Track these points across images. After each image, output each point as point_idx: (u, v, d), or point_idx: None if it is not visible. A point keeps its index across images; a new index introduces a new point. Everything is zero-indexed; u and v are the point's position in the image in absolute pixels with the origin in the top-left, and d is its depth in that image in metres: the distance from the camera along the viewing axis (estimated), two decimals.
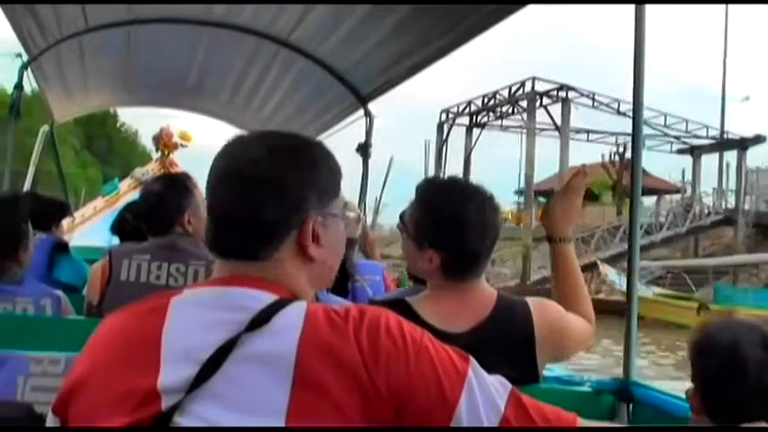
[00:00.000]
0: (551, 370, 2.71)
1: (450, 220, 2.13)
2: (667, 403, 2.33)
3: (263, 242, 1.35)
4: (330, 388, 1.20)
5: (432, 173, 33.41)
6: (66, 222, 5.11)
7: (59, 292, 3.10)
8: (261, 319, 1.25)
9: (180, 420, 1.20)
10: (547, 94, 34.70)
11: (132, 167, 10.37)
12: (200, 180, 3.36)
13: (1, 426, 1.86)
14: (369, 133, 6.12)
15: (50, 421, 1.34)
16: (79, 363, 1.34)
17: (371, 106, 5.89)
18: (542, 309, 2.23)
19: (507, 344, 2.12)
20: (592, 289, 26.53)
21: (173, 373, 1.22)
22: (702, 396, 1.73)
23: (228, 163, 1.38)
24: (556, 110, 35.04)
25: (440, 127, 39.58)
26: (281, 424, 1.18)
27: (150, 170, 8.99)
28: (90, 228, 7.97)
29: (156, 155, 9.43)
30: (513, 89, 35.77)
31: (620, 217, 33.08)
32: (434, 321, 2.06)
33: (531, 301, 2.26)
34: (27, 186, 7.16)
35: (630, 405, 2.55)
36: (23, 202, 3.10)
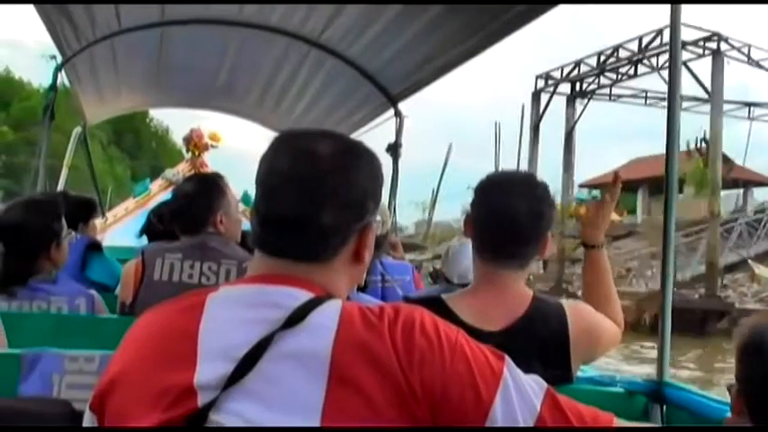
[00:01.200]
0: (583, 371, 2.69)
1: (500, 221, 2.18)
2: (701, 405, 2.31)
3: (325, 246, 1.36)
4: (365, 386, 1.21)
5: (525, 153, 31.39)
6: (98, 222, 5.16)
7: (93, 292, 3.13)
8: (297, 317, 1.25)
9: (215, 417, 1.20)
10: (695, 43, 24.33)
11: (162, 164, 10.47)
12: (231, 180, 3.38)
13: (42, 424, 1.89)
14: (399, 133, 6.13)
15: (87, 418, 1.35)
16: (116, 359, 1.35)
17: (401, 106, 5.90)
18: (577, 312, 2.23)
19: (541, 345, 2.12)
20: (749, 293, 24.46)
21: (209, 369, 1.23)
22: (747, 396, 1.71)
23: (291, 163, 1.37)
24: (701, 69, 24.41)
25: (535, 96, 30.78)
26: (317, 422, 1.18)
27: (181, 171, 9.05)
28: (122, 228, 8.03)
29: (186, 155, 9.48)
30: (646, 40, 25.76)
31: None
32: (469, 319, 2.07)
33: (567, 303, 2.26)
34: (60, 186, 7.25)
35: (663, 407, 2.53)
36: (57, 202, 3.12)
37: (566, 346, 2.16)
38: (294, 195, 1.33)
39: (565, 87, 30.43)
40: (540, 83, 30.88)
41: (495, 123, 35.71)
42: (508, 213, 2.15)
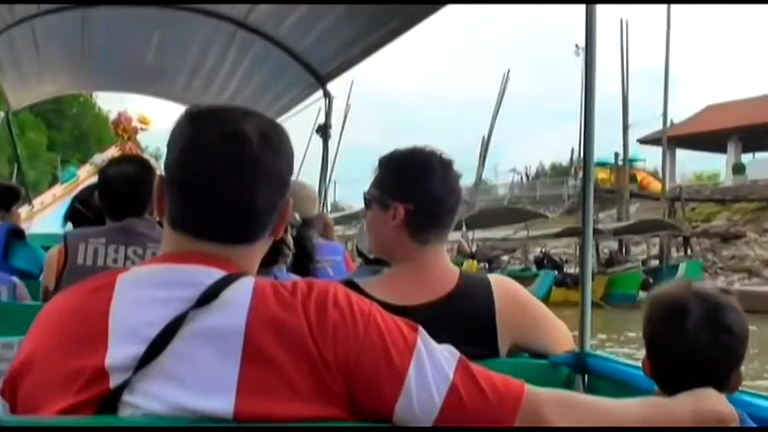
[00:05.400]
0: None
1: (413, 167, 2.13)
2: (623, 373, 2.34)
3: (257, 228, 1.37)
4: (280, 362, 1.22)
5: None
6: (25, 210, 5.06)
7: (15, 279, 3.08)
8: (209, 295, 1.25)
9: (129, 399, 1.20)
10: None
11: (84, 131, 10.27)
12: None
13: None
14: (328, 114, 6.12)
15: None
16: (26, 344, 1.33)
17: (330, 87, 5.88)
18: (502, 284, 2.23)
19: (468, 321, 2.11)
20: None
21: (120, 351, 1.22)
22: (650, 362, 1.77)
23: (220, 143, 1.34)
24: None
25: None
26: (232, 399, 1.19)
27: (110, 156, 8.90)
28: (50, 215, 7.87)
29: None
30: None
31: None
32: (387, 298, 2.01)
33: (493, 277, 2.26)
34: None
35: (586, 376, 2.58)
36: None
37: (492, 321, 2.16)
38: (229, 179, 1.33)
39: None
40: None
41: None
42: (428, 188, 2.12)
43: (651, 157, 45.69)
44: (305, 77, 5.67)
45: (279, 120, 4.38)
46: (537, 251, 31.09)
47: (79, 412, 1.19)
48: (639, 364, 2.03)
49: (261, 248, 1.42)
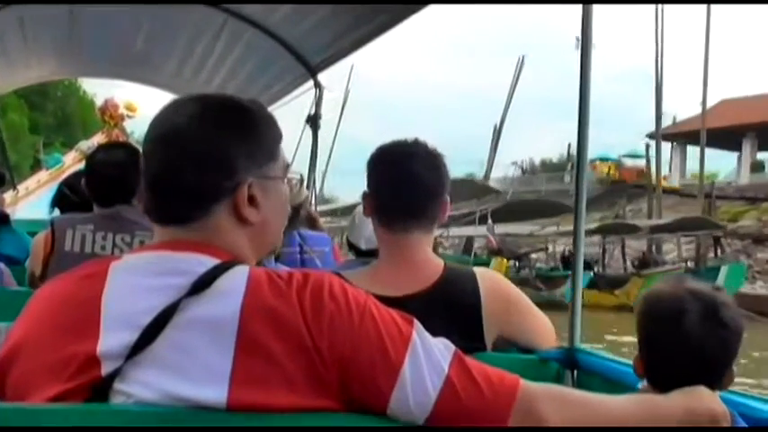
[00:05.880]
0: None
1: (379, 156, 2.19)
2: (612, 369, 2.35)
3: (193, 206, 1.34)
4: (274, 352, 1.21)
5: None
6: (9, 195, 5.02)
7: (1, 265, 3.05)
8: (202, 284, 1.24)
9: (121, 387, 1.19)
10: None
11: (69, 114, 10.23)
12: None
13: None
14: (318, 105, 6.09)
15: None
16: (16, 329, 1.32)
17: (329, 73, 5.87)
18: (488, 276, 2.24)
19: (454, 312, 2.12)
20: None
21: (113, 338, 1.21)
22: (646, 359, 1.77)
23: (158, 127, 1.36)
24: None
25: None
26: (225, 389, 1.18)
27: (97, 143, 8.85)
28: (35, 200, 7.82)
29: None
30: None
31: None
32: (372, 290, 2.04)
33: (479, 270, 2.26)
34: None
35: (575, 372, 2.59)
36: None
37: (478, 313, 2.16)
38: (160, 158, 1.33)
39: None
40: None
41: None
42: (408, 168, 2.14)
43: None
44: (296, 68, 5.64)
45: (270, 109, 4.39)
46: (559, 250, 29.01)
47: (70, 399, 1.18)
48: (628, 361, 2.03)
49: (233, 230, 1.37)
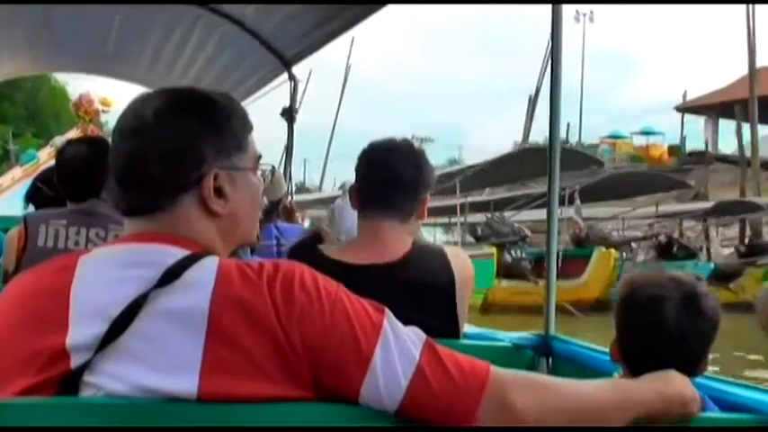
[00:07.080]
0: (473, 330, 2.74)
1: (364, 153, 2.31)
2: (587, 357, 2.38)
3: (159, 197, 1.34)
4: (244, 343, 1.21)
5: None
6: None
7: None
8: (172, 275, 1.24)
9: (91, 379, 1.19)
10: None
11: (40, 104, 10.13)
12: None
13: None
14: (293, 97, 6.08)
15: None
16: None
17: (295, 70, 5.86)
18: (458, 255, 2.31)
19: (425, 285, 2.17)
20: None
21: (82, 330, 1.20)
22: (622, 346, 1.79)
23: (124, 120, 1.37)
24: None
25: None
26: (195, 380, 1.18)
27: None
28: (9, 197, 7.75)
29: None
30: None
31: None
32: (344, 258, 2.15)
33: (447, 248, 2.34)
34: None
35: (550, 359, 2.61)
36: None
37: (452, 289, 2.21)
38: (122, 151, 1.35)
39: None
40: None
41: None
42: (389, 166, 2.23)
43: (671, 131, 42.48)
44: (270, 60, 5.64)
45: (244, 103, 4.38)
46: (638, 234, 22.69)
47: (39, 393, 1.18)
48: (602, 348, 2.05)
49: (201, 221, 1.37)
